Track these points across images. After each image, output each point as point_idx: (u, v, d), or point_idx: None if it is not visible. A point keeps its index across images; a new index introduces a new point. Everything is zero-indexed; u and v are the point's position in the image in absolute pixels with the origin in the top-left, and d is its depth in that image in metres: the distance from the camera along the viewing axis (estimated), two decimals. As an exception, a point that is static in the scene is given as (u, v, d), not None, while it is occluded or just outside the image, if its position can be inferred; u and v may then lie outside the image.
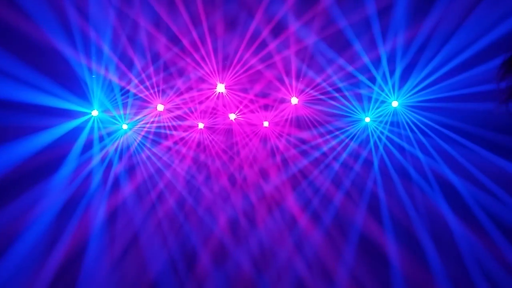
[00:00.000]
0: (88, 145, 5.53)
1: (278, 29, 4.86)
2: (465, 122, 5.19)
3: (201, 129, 6.50)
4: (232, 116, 6.27)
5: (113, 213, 5.92)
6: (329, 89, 5.61)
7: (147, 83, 5.44)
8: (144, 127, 6.10)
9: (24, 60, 4.32)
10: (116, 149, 5.90)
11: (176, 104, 5.91)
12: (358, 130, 6.14)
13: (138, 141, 6.15)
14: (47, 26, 4.24)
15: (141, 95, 5.58)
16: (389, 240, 5.93)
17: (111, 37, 4.69)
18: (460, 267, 5.37)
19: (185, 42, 4.91)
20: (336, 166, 6.36)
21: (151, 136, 6.24)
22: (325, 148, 6.35)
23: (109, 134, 5.78)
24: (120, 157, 5.97)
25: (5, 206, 4.69)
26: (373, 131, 6.07)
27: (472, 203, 5.36)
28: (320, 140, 6.34)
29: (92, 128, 5.51)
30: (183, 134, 6.42)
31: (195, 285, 6.19)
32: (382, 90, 5.44)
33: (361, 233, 6.16)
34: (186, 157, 6.56)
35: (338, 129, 6.20)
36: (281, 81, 5.67)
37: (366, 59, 5.01)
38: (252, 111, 6.16)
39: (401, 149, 5.91)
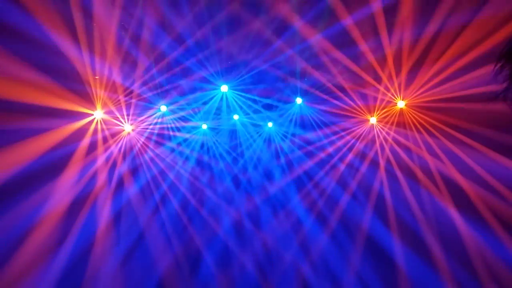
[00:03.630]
0: (92, 146, 5.49)
1: (283, 29, 4.83)
2: (473, 123, 5.11)
3: (205, 130, 6.46)
4: (237, 117, 6.24)
5: (117, 214, 5.88)
6: (335, 89, 5.58)
7: (151, 84, 5.41)
8: (148, 128, 6.06)
9: (27, 60, 4.29)
10: (120, 150, 5.87)
11: (180, 105, 5.89)
12: (364, 131, 6.07)
13: (141, 142, 6.12)
14: (51, 26, 4.22)
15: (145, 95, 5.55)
16: (396, 242, 5.86)
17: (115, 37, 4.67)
18: (467, 268, 5.30)
19: (190, 42, 4.89)
20: (342, 167, 6.29)
21: (154, 137, 6.19)
22: (330, 149, 6.29)
23: (113, 135, 5.74)
24: (124, 158, 5.94)
25: (11, 208, 4.67)
26: (379, 131, 6.00)
27: (480, 204, 5.28)
28: (325, 141, 6.28)
29: (96, 129, 5.47)
30: (187, 135, 6.38)
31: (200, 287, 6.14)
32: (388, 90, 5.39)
33: (367, 235, 6.09)
34: (189, 158, 6.52)
35: (344, 129, 6.14)
36: (285, 81, 5.64)
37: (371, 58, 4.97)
38: (256, 111, 6.12)
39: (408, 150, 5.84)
